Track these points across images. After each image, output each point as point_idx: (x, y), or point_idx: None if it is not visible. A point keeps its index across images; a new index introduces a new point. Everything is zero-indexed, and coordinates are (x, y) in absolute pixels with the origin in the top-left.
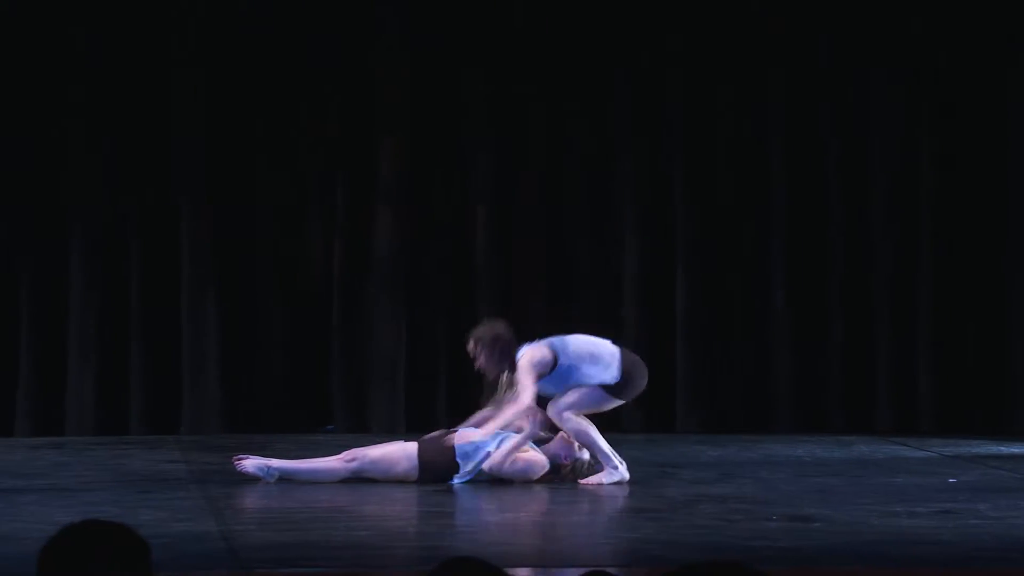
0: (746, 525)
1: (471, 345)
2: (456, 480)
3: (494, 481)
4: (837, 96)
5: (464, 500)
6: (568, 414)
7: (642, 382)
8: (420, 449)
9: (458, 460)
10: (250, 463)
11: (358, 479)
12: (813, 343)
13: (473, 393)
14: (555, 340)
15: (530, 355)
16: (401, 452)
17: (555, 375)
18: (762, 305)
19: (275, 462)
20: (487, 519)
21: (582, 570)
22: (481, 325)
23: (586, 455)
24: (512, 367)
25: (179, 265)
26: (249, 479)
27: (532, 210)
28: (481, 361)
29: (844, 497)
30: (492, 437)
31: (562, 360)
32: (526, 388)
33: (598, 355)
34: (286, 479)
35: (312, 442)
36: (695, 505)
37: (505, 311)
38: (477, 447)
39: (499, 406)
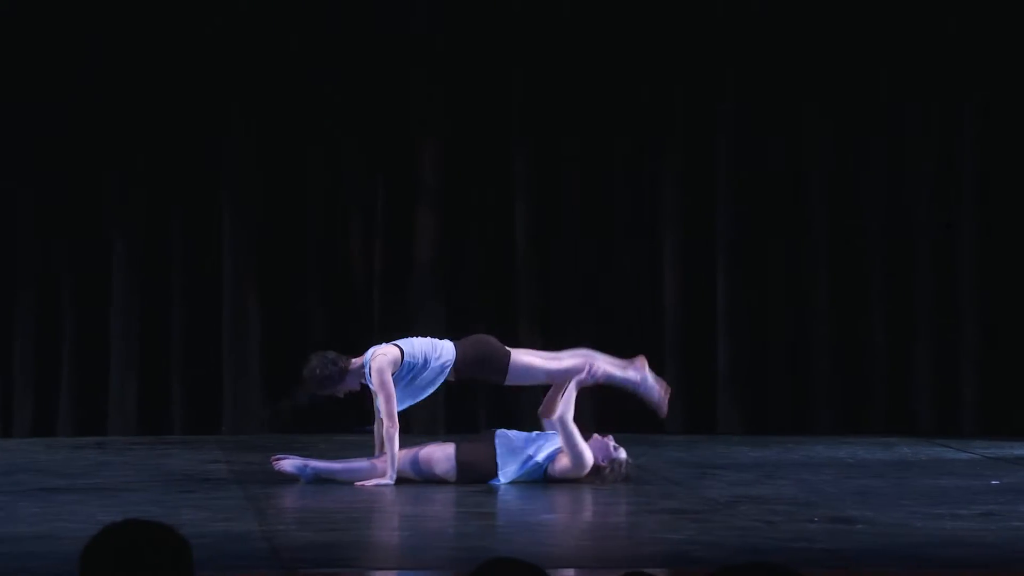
0: (787, 527)
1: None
2: (496, 481)
3: (533, 482)
4: (879, 95)
5: (504, 501)
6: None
7: (489, 350)
8: (458, 450)
9: (498, 461)
10: (288, 463)
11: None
12: (855, 343)
13: (511, 394)
14: (400, 340)
15: (379, 358)
16: (440, 453)
17: (403, 371)
18: (803, 305)
19: (313, 462)
20: (527, 520)
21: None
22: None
23: (623, 454)
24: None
25: (221, 265)
26: (288, 479)
27: (572, 209)
28: (334, 391)
29: (886, 499)
30: (530, 440)
31: (407, 358)
32: (385, 391)
33: (437, 345)
34: (326, 479)
35: (352, 442)
36: (736, 506)
37: (545, 311)
38: (517, 448)
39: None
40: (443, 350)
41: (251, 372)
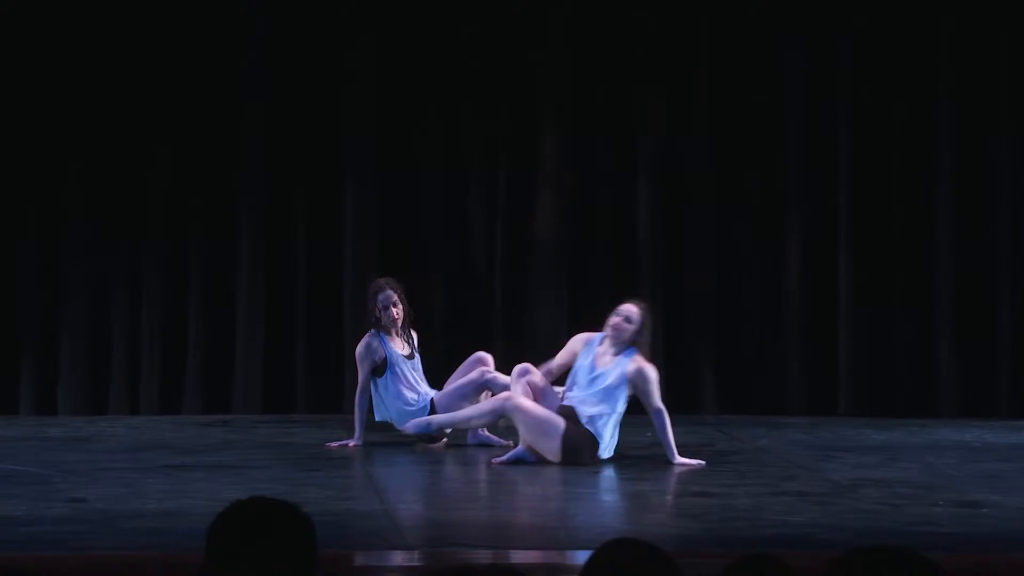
0: (912, 510)
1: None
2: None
3: (652, 463)
4: (1011, 90)
5: (621, 481)
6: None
7: None
8: (565, 432)
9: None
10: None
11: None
12: (980, 327)
13: None
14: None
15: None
16: (554, 428)
17: None
18: (928, 288)
19: (435, 418)
20: (648, 500)
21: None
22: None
23: None
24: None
25: (343, 245)
26: (406, 458)
27: (696, 187)
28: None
29: (1013, 483)
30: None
31: None
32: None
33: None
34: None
35: None
36: (859, 489)
37: (669, 292)
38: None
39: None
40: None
41: None
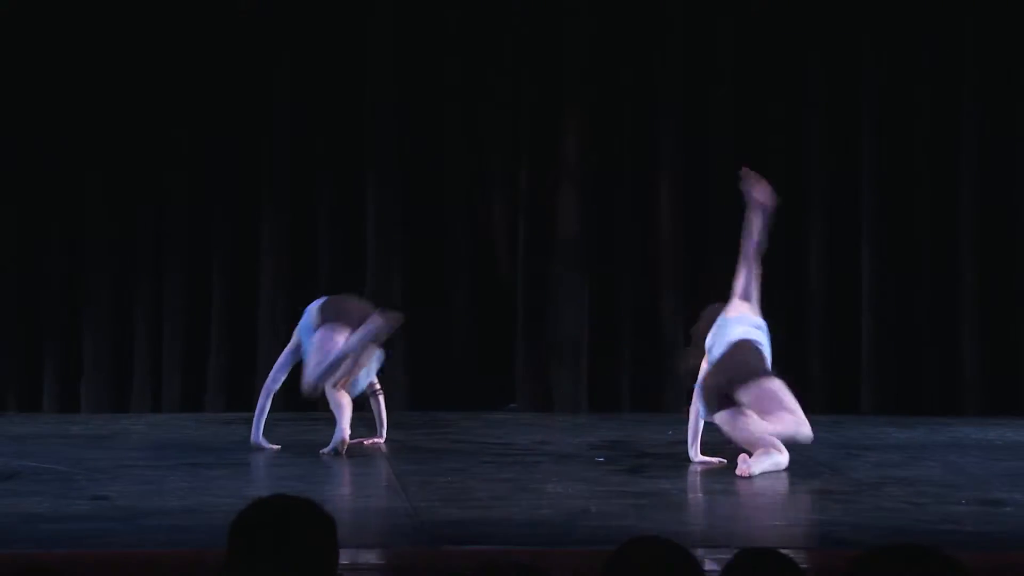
0: (934, 508)
1: None
2: None
3: (677, 462)
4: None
5: (646, 479)
6: None
7: None
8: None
9: None
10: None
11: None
12: (1003, 325)
13: (656, 372)
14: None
15: None
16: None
17: None
18: (951, 286)
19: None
20: (671, 498)
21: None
22: None
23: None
24: None
25: (365, 244)
26: (433, 455)
27: (718, 184)
28: None
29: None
30: None
31: None
32: None
33: None
34: None
35: (495, 420)
36: (882, 487)
37: (691, 287)
38: None
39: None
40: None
41: (394, 350)
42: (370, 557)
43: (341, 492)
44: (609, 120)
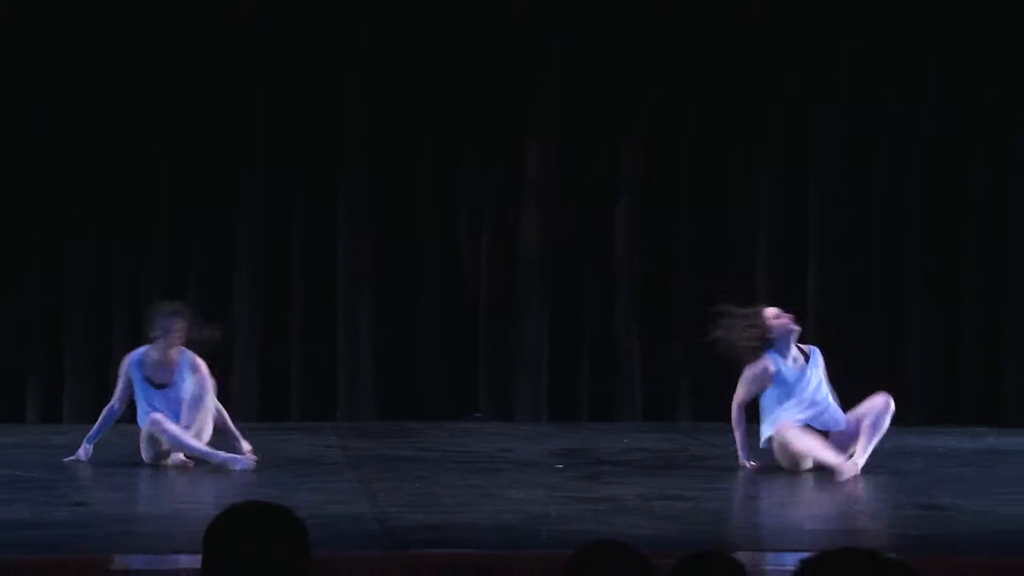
0: (879, 513)
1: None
2: None
3: (628, 467)
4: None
5: (605, 485)
6: None
7: None
8: None
9: None
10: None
11: None
12: (949, 336)
13: (612, 383)
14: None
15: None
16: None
17: None
18: (895, 303)
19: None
20: (626, 504)
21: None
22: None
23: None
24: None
25: (336, 262)
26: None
27: (672, 207)
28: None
29: (974, 486)
30: None
31: None
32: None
33: None
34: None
35: (461, 429)
36: (824, 493)
37: (645, 303)
38: None
39: None
40: None
41: (364, 362)
42: (340, 561)
43: (311, 499)
44: (569, 150)
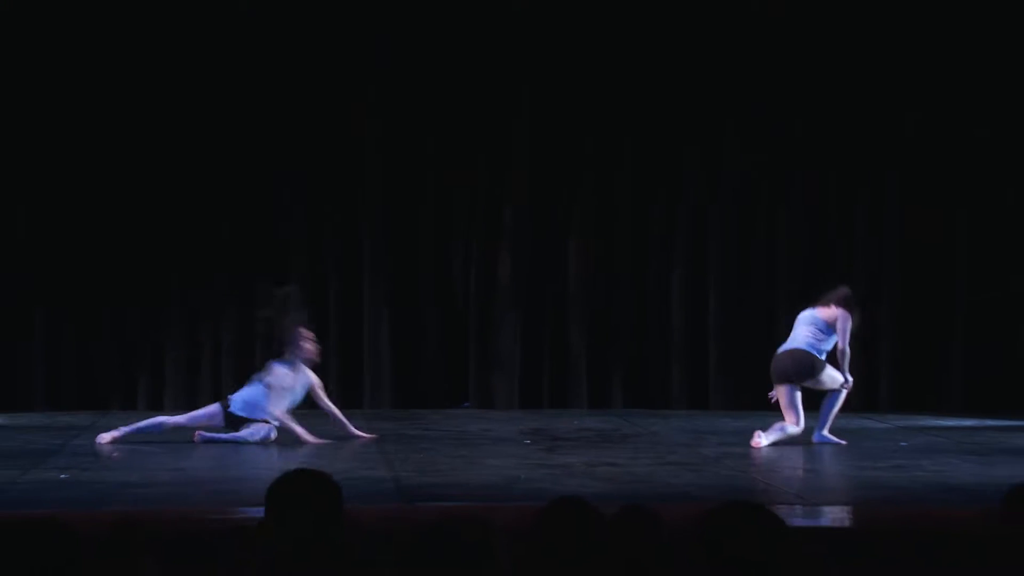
0: (763, 476)
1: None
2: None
3: (598, 438)
4: None
5: (559, 456)
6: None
7: None
8: None
9: None
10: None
11: None
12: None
13: (566, 379)
14: None
15: None
16: None
17: None
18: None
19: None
20: (575, 469)
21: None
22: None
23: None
24: None
25: (362, 289)
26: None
27: (622, 245)
28: None
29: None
30: None
31: None
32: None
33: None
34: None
35: (454, 415)
36: (722, 460)
37: (594, 321)
38: None
39: None
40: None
41: (384, 362)
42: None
43: (344, 466)
44: (537, 198)
